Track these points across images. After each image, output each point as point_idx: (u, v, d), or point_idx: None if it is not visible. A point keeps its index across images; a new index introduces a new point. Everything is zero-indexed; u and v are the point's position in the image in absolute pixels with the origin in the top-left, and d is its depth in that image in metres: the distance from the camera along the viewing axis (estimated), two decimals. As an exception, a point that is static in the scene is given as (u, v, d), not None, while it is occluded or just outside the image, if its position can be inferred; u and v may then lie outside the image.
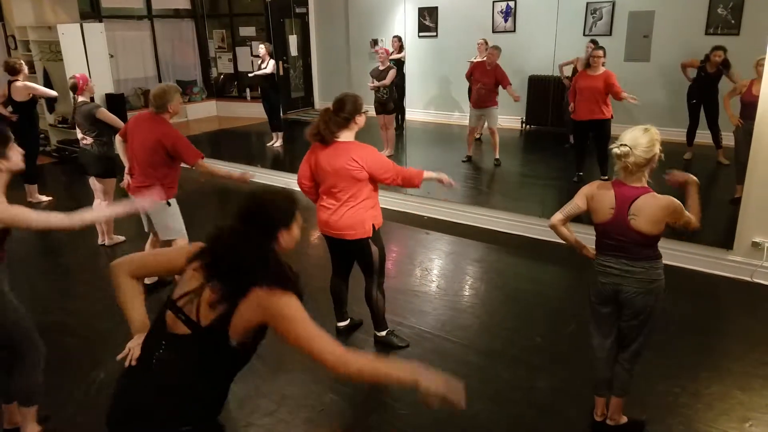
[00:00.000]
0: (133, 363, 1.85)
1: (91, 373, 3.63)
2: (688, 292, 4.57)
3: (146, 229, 4.60)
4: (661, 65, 8.12)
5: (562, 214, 2.90)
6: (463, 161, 8.22)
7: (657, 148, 2.65)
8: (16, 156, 2.71)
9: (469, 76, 8.03)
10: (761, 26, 4.62)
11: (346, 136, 3.52)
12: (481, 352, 3.88)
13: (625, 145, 2.62)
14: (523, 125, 9.74)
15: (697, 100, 7.18)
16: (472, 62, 8.45)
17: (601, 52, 6.50)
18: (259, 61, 9.28)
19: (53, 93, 7.26)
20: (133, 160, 4.36)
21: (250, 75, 9.91)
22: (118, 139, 4.61)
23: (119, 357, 1.90)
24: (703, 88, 7.04)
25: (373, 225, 3.64)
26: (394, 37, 9.15)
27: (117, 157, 4.96)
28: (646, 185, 2.71)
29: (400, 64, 8.68)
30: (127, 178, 4.48)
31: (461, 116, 10.29)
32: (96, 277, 5.12)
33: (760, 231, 4.67)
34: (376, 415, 3.31)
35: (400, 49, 8.86)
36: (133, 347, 1.89)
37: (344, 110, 3.46)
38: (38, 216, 2.65)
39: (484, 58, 8.07)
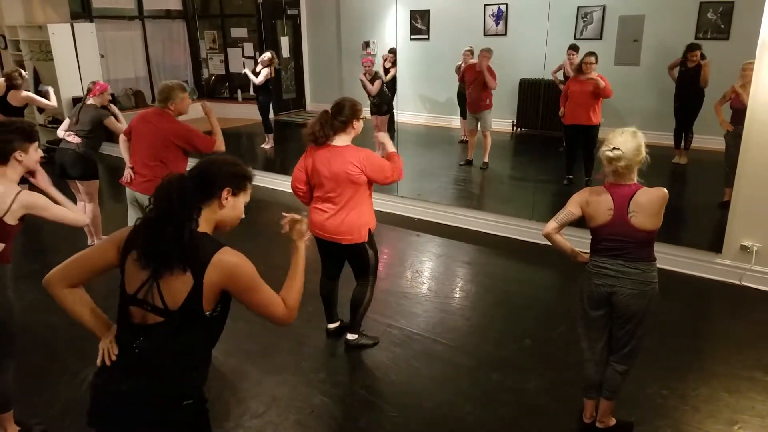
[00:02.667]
0: (113, 359, 1.85)
1: (78, 374, 3.60)
2: (677, 295, 4.59)
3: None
4: (650, 69, 8.18)
5: (556, 222, 2.89)
6: (462, 164, 8.22)
7: (644, 151, 2.69)
8: (36, 155, 2.83)
9: (462, 78, 8.01)
10: (751, 31, 4.65)
11: (342, 140, 3.49)
12: (470, 354, 3.88)
13: (618, 148, 2.64)
14: (514, 128, 9.78)
15: (681, 104, 7.24)
16: (459, 66, 8.48)
17: (593, 59, 6.53)
18: (258, 66, 9.15)
19: (52, 104, 7.17)
20: (137, 156, 4.33)
21: (244, 71, 9.71)
22: (122, 138, 4.59)
23: (99, 362, 1.89)
24: (686, 84, 7.11)
25: (369, 229, 3.64)
26: (390, 50, 9.09)
27: (99, 158, 4.97)
28: (637, 182, 2.74)
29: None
30: (128, 172, 4.46)
31: (452, 119, 10.33)
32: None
33: (748, 234, 4.70)
34: (365, 418, 3.30)
35: (394, 63, 8.78)
36: (107, 347, 1.88)
37: (342, 114, 3.44)
38: (55, 207, 2.80)
39: (472, 62, 8.11)
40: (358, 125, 3.52)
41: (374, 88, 7.97)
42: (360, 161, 3.44)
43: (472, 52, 8.36)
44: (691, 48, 6.99)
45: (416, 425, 3.23)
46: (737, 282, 4.77)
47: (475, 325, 4.29)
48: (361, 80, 8.03)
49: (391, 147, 3.72)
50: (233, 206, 1.91)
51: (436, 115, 10.72)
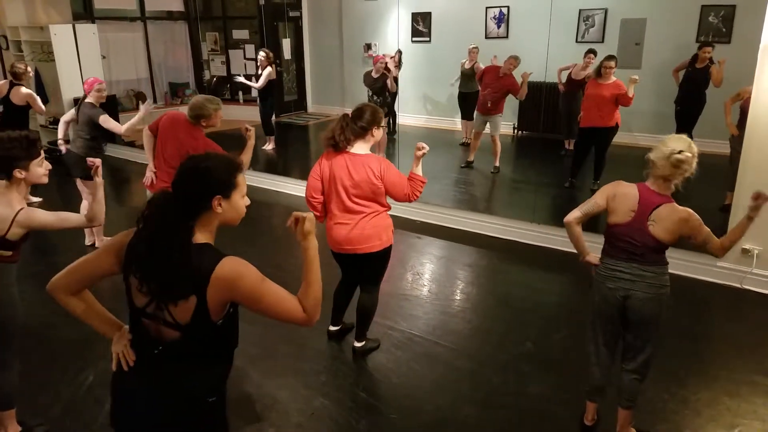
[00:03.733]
0: (131, 365, 1.85)
1: (78, 375, 3.61)
2: (678, 298, 4.53)
3: None
4: (652, 72, 8.17)
5: (580, 211, 2.87)
6: (463, 167, 8.22)
7: (695, 165, 2.66)
8: (39, 170, 2.79)
9: (479, 78, 7.95)
10: (752, 34, 4.66)
11: (362, 147, 3.43)
12: (471, 357, 3.88)
13: (685, 151, 2.61)
14: (515, 131, 9.78)
15: (682, 106, 7.21)
16: (463, 63, 8.49)
17: (612, 63, 6.49)
18: (259, 70, 9.13)
19: (43, 109, 7.16)
20: (161, 159, 4.26)
21: (237, 79, 9.73)
22: (147, 133, 4.49)
23: (114, 366, 1.88)
24: (690, 86, 7.09)
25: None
26: (397, 51, 9.12)
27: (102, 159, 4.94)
28: (670, 195, 2.71)
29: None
30: (151, 175, 4.42)
31: (453, 121, 10.35)
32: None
33: (749, 238, 4.67)
34: (366, 421, 3.29)
35: (399, 62, 8.83)
36: (122, 350, 1.87)
37: (362, 119, 3.38)
38: (53, 218, 2.76)
39: (475, 62, 8.10)
40: (378, 133, 3.44)
41: (390, 88, 7.94)
42: (379, 169, 3.38)
43: (478, 50, 8.37)
44: (704, 44, 7.00)
45: (417, 428, 3.23)
46: (738, 285, 4.77)
47: (476, 328, 4.29)
48: (387, 79, 7.90)
49: (418, 167, 3.56)
50: (230, 207, 1.83)
51: (437, 117, 10.74)
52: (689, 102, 7.14)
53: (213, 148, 4.07)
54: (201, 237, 1.79)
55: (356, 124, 3.39)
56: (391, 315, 4.37)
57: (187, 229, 1.76)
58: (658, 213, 2.66)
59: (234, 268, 1.73)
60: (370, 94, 7.99)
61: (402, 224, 6.29)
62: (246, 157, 4.20)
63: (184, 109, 4.31)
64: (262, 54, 8.85)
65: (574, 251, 2.99)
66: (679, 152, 2.61)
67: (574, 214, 2.88)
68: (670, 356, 3.82)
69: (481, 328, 4.30)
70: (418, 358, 3.86)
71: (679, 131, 7.18)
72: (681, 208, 2.68)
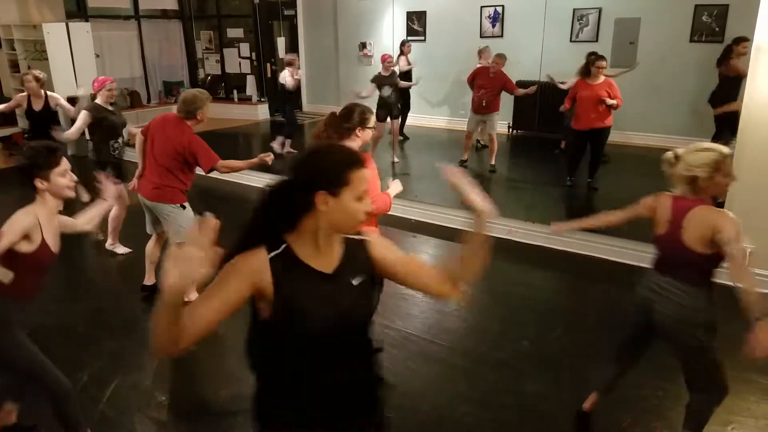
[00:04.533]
0: None
1: (74, 375, 3.59)
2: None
3: (148, 231, 4.52)
4: (646, 71, 8.22)
5: (623, 212, 2.85)
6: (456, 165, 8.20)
7: (706, 172, 2.50)
8: (61, 180, 2.62)
9: (471, 81, 7.95)
10: (745, 33, 4.69)
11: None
12: (467, 356, 3.89)
13: (673, 152, 2.58)
14: (510, 130, 9.80)
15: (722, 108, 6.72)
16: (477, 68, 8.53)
17: (603, 63, 6.46)
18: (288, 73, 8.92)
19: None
20: (150, 159, 4.24)
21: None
22: (139, 137, 4.46)
23: None
24: (728, 84, 6.73)
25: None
26: (407, 44, 9.18)
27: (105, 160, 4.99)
28: (704, 198, 2.56)
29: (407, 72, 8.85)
30: (135, 181, 4.42)
31: (449, 120, 10.36)
32: (79, 279, 5.07)
33: (745, 235, 4.70)
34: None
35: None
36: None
37: (349, 120, 3.34)
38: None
39: (489, 64, 8.11)
40: (363, 134, 3.36)
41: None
42: None
43: (490, 50, 8.39)
44: (741, 39, 6.50)
45: (414, 427, 3.24)
46: (732, 284, 4.78)
47: (472, 327, 4.29)
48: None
49: (393, 190, 3.50)
50: (339, 208, 1.55)
51: (431, 117, 10.74)
52: (729, 102, 6.54)
53: (197, 143, 4.11)
54: (298, 238, 1.61)
55: (342, 125, 3.36)
56: (387, 314, 4.38)
57: (273, 230, 1.60)
58: (689, 217, 2.53)
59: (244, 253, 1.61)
60: (387, 94, 7.89)
61: (397, 223, 6.30)
62: (241, 164, 4.21)
63: (176, 108, 4.29)
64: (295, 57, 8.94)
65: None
66: (668, 152, 2.60)
67: (618, 214, 2.86)
68: (665, 353, 3.81)
69: (477, 326, 4.30)
70: (414, 357, 3.87)
71: (717, 135, 6.85)
72: (716, 209, 2.53)
